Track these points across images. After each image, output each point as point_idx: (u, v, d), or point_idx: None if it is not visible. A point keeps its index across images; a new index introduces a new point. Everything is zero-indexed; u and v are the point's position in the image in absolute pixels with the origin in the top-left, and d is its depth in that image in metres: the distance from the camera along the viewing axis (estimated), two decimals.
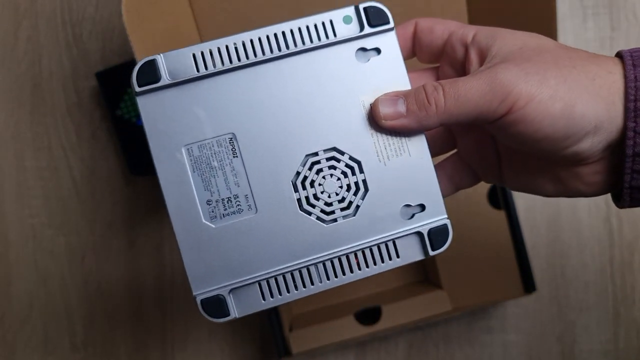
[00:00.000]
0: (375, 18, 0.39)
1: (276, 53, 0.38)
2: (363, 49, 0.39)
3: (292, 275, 0.38)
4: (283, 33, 0.38)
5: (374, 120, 0.38)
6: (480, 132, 0.43)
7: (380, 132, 0.39)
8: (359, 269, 0.39)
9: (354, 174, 0.39)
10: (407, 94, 0.37)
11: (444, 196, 0.40)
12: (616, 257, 0.75)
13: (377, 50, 0.39)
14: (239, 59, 0.38)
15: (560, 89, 0.35)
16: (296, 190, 0.38)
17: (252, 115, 0.38)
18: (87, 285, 0.75)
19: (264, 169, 0.38)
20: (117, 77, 0.72)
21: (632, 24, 0.75)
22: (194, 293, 0.37)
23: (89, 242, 0.75)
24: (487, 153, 0.43)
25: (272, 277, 0.38)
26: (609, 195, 0.40)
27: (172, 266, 0.75)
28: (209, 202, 0.38)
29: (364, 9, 0.39)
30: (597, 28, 0.76)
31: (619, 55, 0.37)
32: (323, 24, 0.38)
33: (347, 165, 0.39)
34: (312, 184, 0.38)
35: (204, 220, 0.38)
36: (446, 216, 0.39)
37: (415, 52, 0.43)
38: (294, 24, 0.38)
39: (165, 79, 0.37)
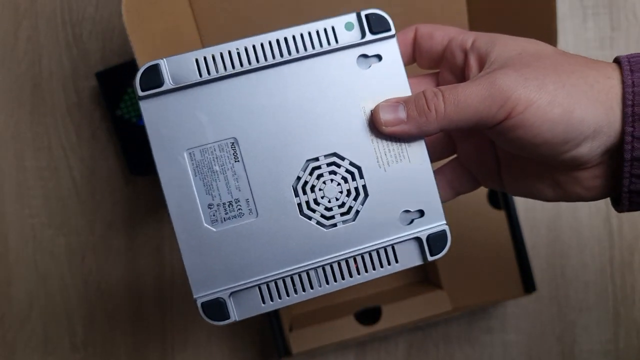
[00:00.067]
0: (376, 25, 0.39)
1: (278, 59, 0.38)
2: (364, 56, 0.39)
3: (291, 279, 0.38)
4: (285, 39, 0.38)
5: (375, 126, 0.38)
6: (480, 138, 0.43)
7: (380, 138, 0.39)
8: (358, 273, 0.39)
9: (354, 179, 0.39)
10: (407, 100, 0.38)
11: (443, 201, 0.40)
12: (616, 257, 0.75)
13: (379, 57, 0.39)
14: (241, 65, 0.38)
15: (559, 94, 0.35)
16: (297, 194, 0.38)
17: (253, 120, 0.38)
18: (87, 286, 0.75)
19: (265, 173, 0.38)
20: (117, 77, 0.72)
21: (632, 24, 0.75)
22: (195, 296, 0.38)
23: (89, 242, 0.75)
24: (486, 158, 0.43)
25: (272, 281, 0.38)
26: None
27: (172, 266, 0.75)
28: (210, 206, 0.38)
29: (366, 16, 0.39)
30: (597, 28, 0.75)
31: (617, 60, 0.37)
32: (325, 30, 0.39)
33: (347, 171, 0.39)
34: (312, 188, 0.39)
35: (205, 224, 0.38)
36: (445, 222, 0.39)
37: (416, 58, 0.43)
38: (296, 30, 0.38)
39: (168, 84, 0.37)
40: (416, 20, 0.68)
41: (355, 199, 0.39)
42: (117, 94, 0.72)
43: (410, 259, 0.39)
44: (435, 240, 0.39)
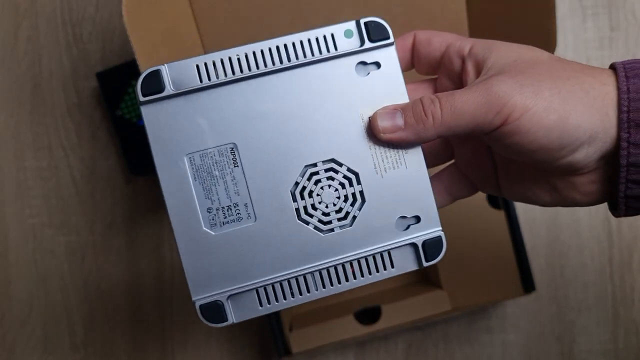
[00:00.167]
0: (375, 33, 0.39)
1: (278, 65, 0.38)
2: (363, 63, 0.39)
3: (289, 282, 0.39)
4: (285, 46, 0.38)
5: (373, 133, 0.39)
6: (477, 143, 0.43)
7: (378, 144, 0.39)
8: (355, 277, 0.39)
9: (351, 185, 0.39)
10: (405, 107, 0.38)
11: (441, 207, 0.40)
12: (615, 258, 0.75)
13: (377, 65, 0.39)
14: (241, 71, 0.38)
15: (555, 101, 0.35)
16: (295, 200, 0.39)
17: (253, 126, 0.38)
18: (87, 285, 0.75)
19: (263, 178, 0.38)
20: (118, 77, 0.72)
21: (632, 24, 0.75)
22: (194, 298, 0.38)
23: (89, 242, 0.75)
24: (483, 163, 0.43)
25: (269, 284, 0.39)
26: None
27: (172, 266, 0.75)
28: (209, 210, 0.38)
29: (365, 23, 0.39)
30: (596, 28, 0.75)
31: (613, 67, 0.37)
32: (324, 37, 0.39)
33: (345, 177, 0.39)
34: (310, 194, 0.39)
35: (204, 228, 0.38)
36: (440, 228, 0.40)
37: (414, 64, 0.43)
38: (296, 37, 0.39)
39: (169, 89, 0.38)
40: (416, 20, 0.68)
41: (352, 205, 0.39)
42: (117, 94, 0.72)
43: (405, 264, 0.40)
44: (431, 246, 0.39)
